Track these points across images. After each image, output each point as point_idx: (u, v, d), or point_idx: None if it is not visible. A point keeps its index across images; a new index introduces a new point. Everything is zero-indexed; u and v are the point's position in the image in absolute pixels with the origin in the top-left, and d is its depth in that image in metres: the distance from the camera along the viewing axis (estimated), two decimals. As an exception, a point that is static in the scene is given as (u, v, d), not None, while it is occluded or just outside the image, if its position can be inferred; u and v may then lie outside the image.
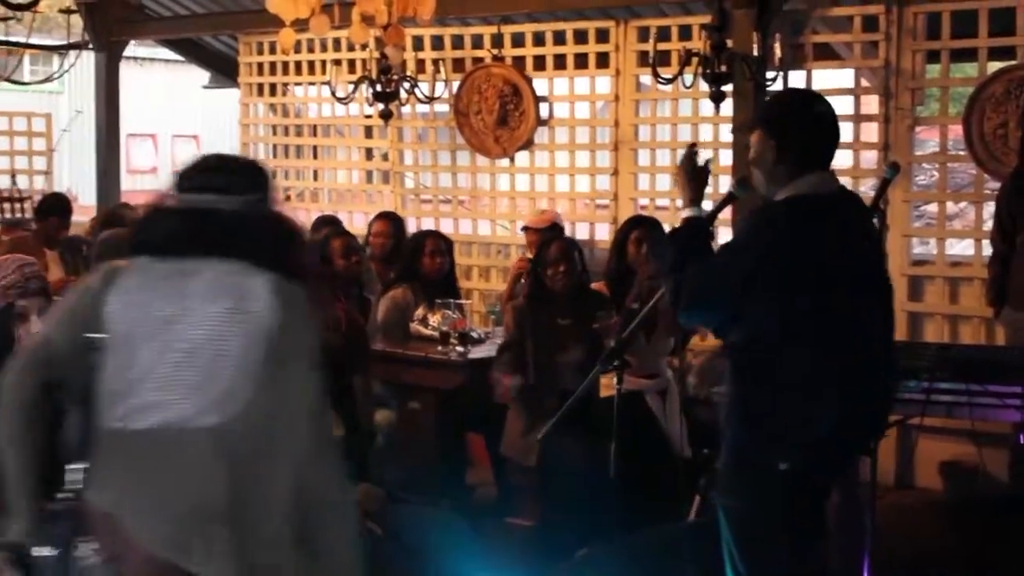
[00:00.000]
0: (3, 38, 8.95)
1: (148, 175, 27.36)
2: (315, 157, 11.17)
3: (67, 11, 7.90)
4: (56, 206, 9.06)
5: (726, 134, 8.40)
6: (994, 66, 7.82)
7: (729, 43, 7.60)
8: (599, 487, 5.23)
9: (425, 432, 7.08)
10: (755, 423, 3.89)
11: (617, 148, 9.18)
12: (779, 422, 3.84)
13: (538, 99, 9.44)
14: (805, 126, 4.01)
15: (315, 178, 11.31)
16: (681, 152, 7.71)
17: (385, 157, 10.58)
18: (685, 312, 4.01)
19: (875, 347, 3.98)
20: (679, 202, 8.89)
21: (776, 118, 4.07)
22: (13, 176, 12.21)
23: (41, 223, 9.05)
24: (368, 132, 10.67)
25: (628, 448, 5.08)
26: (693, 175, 4.21)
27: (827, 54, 8.57)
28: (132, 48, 11.96)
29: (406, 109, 10.06)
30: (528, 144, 9.57)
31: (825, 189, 3.95)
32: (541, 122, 9.50)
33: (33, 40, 9.46)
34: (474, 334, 7.38)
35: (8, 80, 8.58)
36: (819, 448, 3.85)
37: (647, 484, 5.57)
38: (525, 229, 8.57)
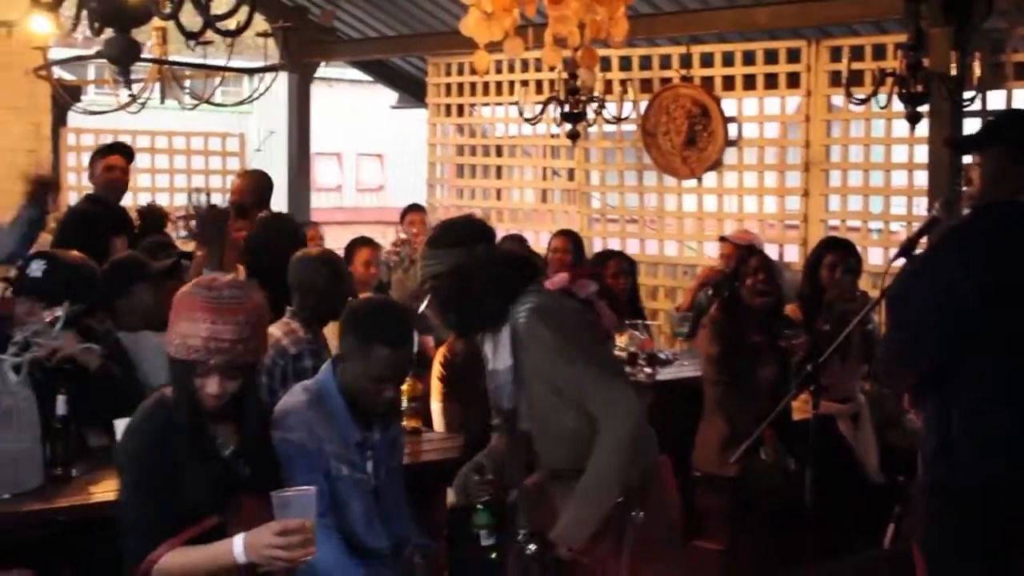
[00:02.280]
0: (203, 61, 9.18)
1: (333, 192, 27.91)
2: (498, 176, 11.26)
3: (264, 34, 8.05)
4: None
5: (920, 154, 8.23)
6: None
7: (925, 62, 7.44)
8: (791, 512, 5.14)
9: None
10: (952, 442, 3.80)
11: (808, 169, 9.06)
12: (977, 440, 3.75)
13: (727, 119, 9.38)
14: None
15: (498, 197, 11.40)
16: (873, 173, 7.54)
17: (570, 177, 10.61)
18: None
19: None
20: (871, 224, 8.82)
21: (1010, 135, 3.97)
22: (208, 194, 12.50)
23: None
24: (552, 152, 10.73)
25: (821, 473, 4.98)
26: None
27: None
28: (321, 69, 12.20)
29: (593, 129, 10.07)
30: (716, 164, 9.51)
31: None
32: (730, 142, 9.44)
33: (227, 63, 9.69)
34: (661, 355, 7.33)
35: (207, 102, 8.78)
36: (1010, 467, 3.76)
37: (840, 510, 5.46)
38: (722, 239, 8.46)
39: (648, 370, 7.02)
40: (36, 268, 4.73)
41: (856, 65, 8.16)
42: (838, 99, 8.73)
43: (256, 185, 7.83)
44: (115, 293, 5.20)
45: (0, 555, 3.46)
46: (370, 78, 13.95)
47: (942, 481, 3.83)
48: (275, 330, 5.22)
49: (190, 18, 3.32)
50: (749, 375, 6.31)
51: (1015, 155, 3.87)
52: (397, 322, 3.95)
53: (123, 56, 3.39)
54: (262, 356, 3.64)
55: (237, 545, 3.20)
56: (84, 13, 3.33)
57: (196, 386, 3.33)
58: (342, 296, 5.25)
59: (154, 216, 9.55)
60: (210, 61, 9.80)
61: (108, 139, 11.73)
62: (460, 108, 11.37)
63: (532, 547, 3.92)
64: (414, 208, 9.82)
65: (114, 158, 7.65)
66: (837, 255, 6.54)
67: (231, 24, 3.47)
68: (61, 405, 4.27)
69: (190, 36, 3.47)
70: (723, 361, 6.37)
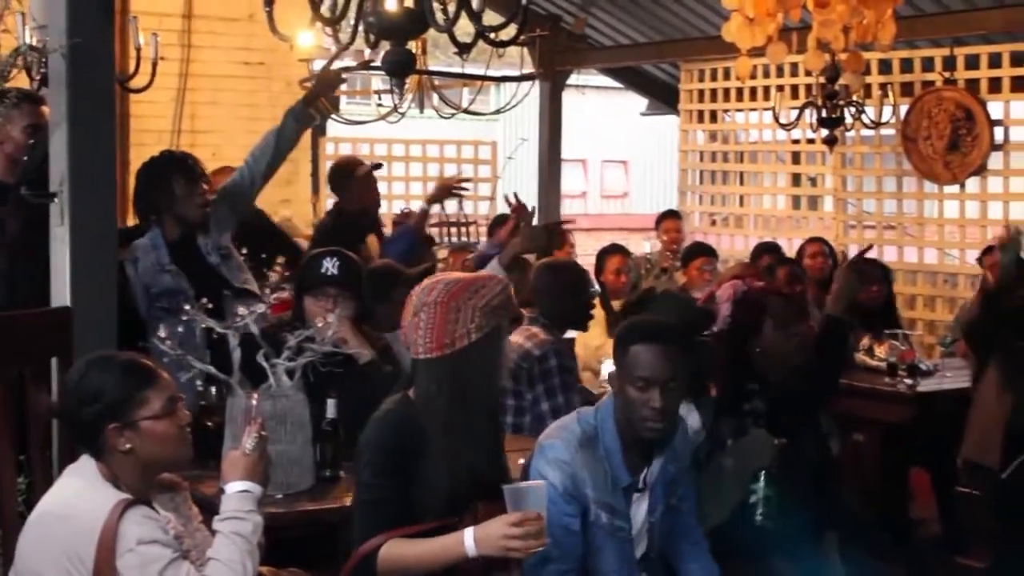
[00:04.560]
0: (458, 70, 9.33)
1: (577, 199, 28.04)
2: (742, 183, 11.18)
3: (520, 43, 8.14)
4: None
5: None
6: None
7: None
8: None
9: (869, 464, 6.91)
10: None
11: (1073, 178, 8.73)
12: None
13: (993, 123, 9.09)
14: None
15: (742, 204, 11.32)
16: None
17: (814, 183, 10.45)
18: None
19: None
20: None
21: None
22: (460, 201, 12.71)
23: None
24: (796, 158, 10.60)
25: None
26: None
27: None
28: (572, 76, 12.28)
29: (850, 134, 9.89)
30: (980, 169, 9.23)
31: None
32: (995, 147, 9.14)
33: (477, 70, 9.84)
34: (922, 366, 7.15)
35: (465, 111, 8.92)
36: None
37: None
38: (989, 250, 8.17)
39: (909, 381, 6.87)
40: (330, 265, 4.90)
41: None
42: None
43: None
44: (376, 298, 5.38)
45: (274, 554, 3.54)
46: (618, 84, 13.97)
47: None
48: (516, 336, 5.39)
49: (461, 29, 3.36)
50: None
51: None
52: (651, 320, 3.95)
53: (400, 68, 3.46)
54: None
55: (468, 538, 3.21)
56: (360, 27, 3.40)
57: None
58: (582, 303, 5.50)
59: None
60: (465, 70, 9.97)
61: (365, 148, 12.08)
62: (713, 114, 11.30)
63: None
64: (670, 215, 9.81)
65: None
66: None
67: (503, 35, 3.51)
68: (331, 408, 4.41)
69: (463, 48, 3.52)
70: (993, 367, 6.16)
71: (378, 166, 7.69)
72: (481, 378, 3.37)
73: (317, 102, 5.90)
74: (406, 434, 3.34)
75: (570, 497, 3.59)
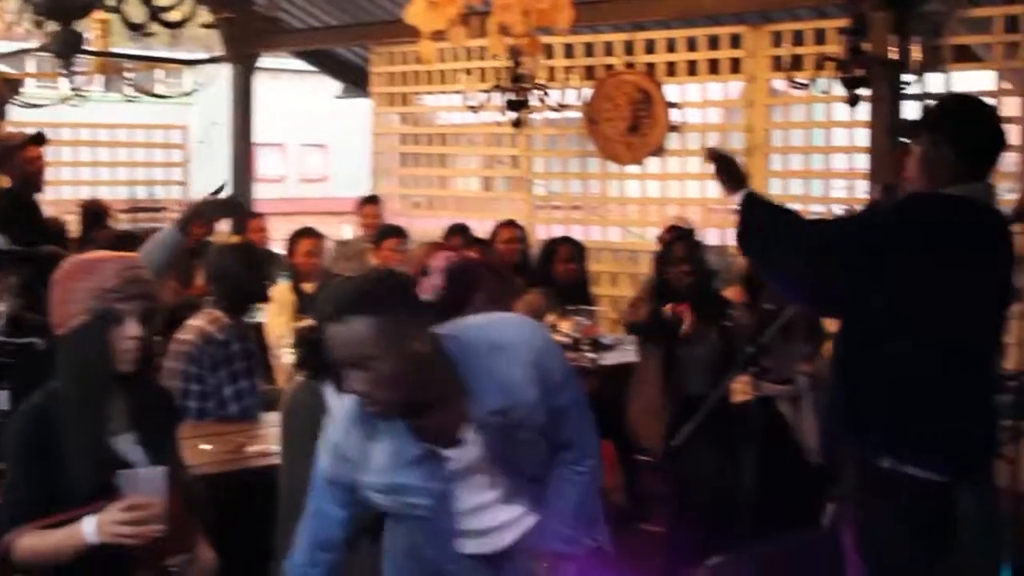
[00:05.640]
0: (144, 52, 9.15)
1: (276, 184, 27.81)
2: (442, 165, 11.27)
3: (207, 25, 8.03)
4: None
5: (861, 138, 8.30)
6: None
7: (866, 46, 7.51)
8: (732, 494, 5.19)
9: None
10: (865, 422, 3.84)
11: (750, 153, 9.12)
12: (900, 426, 3.77)
13: (669, 105, 9.43)
14: (978, 133, 3.94)
15: (442, 186, 11.42)
16: (814, 157, 7.64)
17: (514, 164, 10.63)
18: (790, 271, 3.93)
19: (988, 358, 3.94)
20: (812, 207, 8.89)
21: (949, 123, 3.99)
22: (150, 186, 12.50)
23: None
24: (496, 140, 10.75)
25: (761, 455, 5.03)
26: (726, 165, 4.18)
27: (967, 56, 8.42)
28: (263, 59, 12.14)
29: (537, 117, 10.10)
30: (659, 150, 9.56)
31: (982, 197, 3.89)
32: (672, 128, 9.47)
33: (166, 53, 9.68)
34: (605, 340, 7.37)
35: (150, 94, 8.75)
36: (943, 452, 3.77)
37: (780, 491, 5.50)
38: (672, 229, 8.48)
39: (591, 355, 7.06)
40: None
41: (797, 50, 8.26)
42: (780, 84, 8.79)
43: None
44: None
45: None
46: (314, 68, 13.90)
47: (881, 469, 3.82)
48: (198, 320, 5.37)
49: (134, 9, 3.31)
50: (674, 359, 6.36)
51: (945, 142, 3.90)
52: (342, 295, 3.12)
53: (66, 49, 3.39)
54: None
55: (88, 525, 3.10)
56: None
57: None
58: (260, 284, 5.50)
59: (96, 211, 9.51)
60: (152, 53, 9.78)
61: (50, 134, 11.71)
62: (404, 97, 11.36)
63: None
64: (369, 200, 9.80)
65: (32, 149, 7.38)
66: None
67: (175, 16, 3.47)
68: (3, 400, 4.27)
69: (134, 28, 3.47)
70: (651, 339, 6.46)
71: (40, 137, 7.37)
72: (89, 361, 3.22)
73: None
74: (41, 425, 3.23)
75: (335, 484, 3.21)
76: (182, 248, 5.78)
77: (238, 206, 6.82)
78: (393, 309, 2.92)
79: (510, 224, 8.68)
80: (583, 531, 3.24)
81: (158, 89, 9.13)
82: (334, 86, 14.51)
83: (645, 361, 6.61)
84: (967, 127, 3.94)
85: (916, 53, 7.35)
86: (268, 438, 4.96)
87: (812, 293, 3.95)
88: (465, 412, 3.02)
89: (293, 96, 26.01)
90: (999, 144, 4.00)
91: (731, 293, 6.77)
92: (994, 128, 3.99)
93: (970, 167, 3.85)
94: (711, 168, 4.25)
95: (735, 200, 4.09)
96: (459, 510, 3.16)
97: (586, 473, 3.24)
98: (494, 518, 3.22)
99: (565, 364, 3.21)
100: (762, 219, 3.98)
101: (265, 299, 5.81)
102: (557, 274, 7.72)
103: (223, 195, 6.47)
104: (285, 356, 6.13)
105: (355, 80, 12.76)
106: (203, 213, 6.43)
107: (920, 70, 7.48)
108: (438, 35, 7.30)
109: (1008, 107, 8.10)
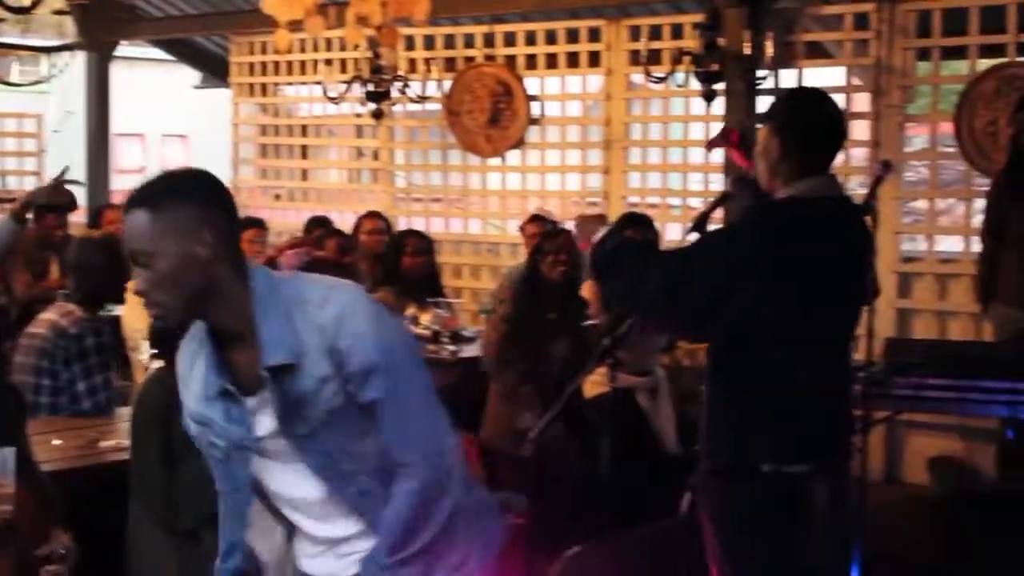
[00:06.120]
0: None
1: (136, 174, 27.34)
2: (304, 157, 11.19)
3: (60, 12, 7.86)
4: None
5: (717, 132, 8.42)
6: (984, 63, 7.84)
7: (721, 42, 7.63)
8: (590, 484, 5.24)
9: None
10: (735, 422, 3.87)
11: (608, 147, 9.21)
12: (759, 420, 3.82)
13: (529, 98, 9.49)
14: (816, 126, 3.99)
15: (304, 178, 11.33)
16: (671, 150, 7.70)
17: (375, 156, 10.59)
18: (659, 302, 3.87)
19: (844, 350, 4.00)
20: (670, 200, 9.01)
21: (788, 115, 4.03)
22: (3, 177, 12.23)
23: (38, 222, 8.97)
24: (358, 131, 10.70)
25: (619, 446, 5.08)
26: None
27: (818, 52, 8.60)
28: (121, 48, 11.93)
29: (397, 108, 10.09)
30: (519, 143, 9.61)
31: (826, 192, 3.95)
32: (532, 121, 9.54)
33: (22, 41, 9.46)
34: (465, 333, 7.40)
35: (2, 82, 8.55)
36: (799, 445, 3.82)
37: (638, 481, 5.57)
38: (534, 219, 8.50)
39: (451, 347, 7.08)
40: None
41: (655, 44, 8.35)
42: (638, 78, 8.88)
43: None
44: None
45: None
46: (173, 58, 13.71)
47: (730, 458, 3.88)
48: (51, 314, 5.29)
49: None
50: (538, 350, 6.40)
51: (782, 132, 3.96)
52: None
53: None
54: None
55: None
56: None
57: None
58: (119, 278, 5.38)
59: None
60: (4, 39, 9.57)
61: None
62: (264, 88, 11.26)
63: None
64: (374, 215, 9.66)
65: None
66: (636, 231, 6.63)
67: (24, 0, 3.41)
68: None
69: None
70: (512, 336, 6.49)
71: None
72: None
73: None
74: None
75: (188, 414, 2.97)
76: (18, 237, 5.69)
77: (67, 191, 6.70)
78: (177, 207, 2.70)
79: (373, 215, 8.66)
80: (404, 554, 2.85)
81: (12, 77, 8.91)
82: (194, 76, 14.32)
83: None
84: (803, 118, 4.00)
85: (769, 49, 7.49)
86: (121, 433, 4.89)
87: (684, 319, 3.96)
88: (258, 357, 2.75)
89: (153, 85, 25.61)
90: (835, 136, 4.07)
91: (585, 291, 6.84)
92: (830, 120, 4.04)
93: (807, 159, 3.90)
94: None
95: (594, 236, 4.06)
96: (258, 476, 2.91)
97: (403, 484, 2.83)
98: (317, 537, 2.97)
99: (377, 356, 2.77)
100: (625, 254, 3.98)
101: (123, 293, 5.71)
102: (405, 267, 7.72)
103: (68, 179, 6.39)
104: (142, 351, 6.05)
105: (214, 70, 12.60)
106: (34, 200, 6.36)
107: (773, 66, 7.63)
108: (295, 25, 7.26)
109: (858, 103, 8.28)
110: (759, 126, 4.07)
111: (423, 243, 7.87)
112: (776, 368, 3.80)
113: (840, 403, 3.97)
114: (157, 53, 14.71)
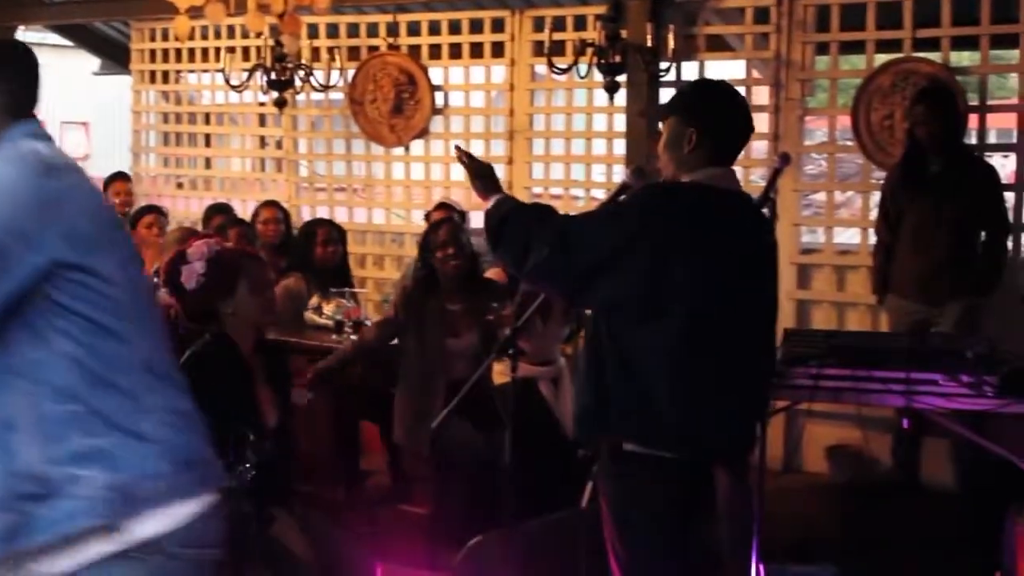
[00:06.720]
0: None
1: (37, 162, 26.88)
2: (208, 145, 11.08)
3: (-46, -5, 7.73)
4: None
5: (620, 124, 8.48)
6: (881, 58, 7.95)
7: (623, 34, 7.68)
8: (492, 475, 5.25)
9: (322, 420, 7.06)
10: (601, 397, 3.88)
11: (512, 137, 9.23)
12: (620, 399, 3.83)
13: (433, 88, 9.47)
14: (731, 119, 4.03)
15: (207, 166, 11.22)
16: (575, 142, 7.76)
17: (279, 145, 10.52)
18: (542, 270, 3.89)
19: (752, 338, 4.01)
20: (574, 191, 9.04)
21: (702, 107, 4.06)
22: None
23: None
24: (262, 120, 10.62)
25: (522, 436, 5.09)
26: (480, 170, 4.19)
27: (719, 45, 8.67)
28: (20, 33, 11.72)
29: (301, 97, 10.04)
30: (423, 133, 9.60)
31: (725, 185, 3.98)
32: (436, 111, 9.53)
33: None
34: (368, 323, 7.38)
35: None
36: (662, 431, 3.82)
37: (540, 471, 5.58)
38: (441, 207, 8.48)
39: (355, 338, 7.06)
40: None
41: (558, 35, 8.36)
42: (541, 69, 8.90)
43: None
44: None
45: None
46: (72, 44, 13.49)
47: (633, 452, 3.88)
48: None
49: None
50: (439, 347, 6.41)
51: (688, 123, 3.98)
52: None
53: None
54: None
55: None
56: None
57: None
58: None
59: None
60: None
61: None
62: (166, 75, 11.13)
63: None
64: (118, 177, 9.65)
65: None
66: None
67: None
68: None
69: None
70: (410, 330, 6.50)
71: None
72: None
73: None
74: None
75: None
76: None
77: None
78: None
79: (270, 204, 8.61)
80: None
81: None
82: (94, 62, 14.10)
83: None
84: (717, 110, 4.05)
85: (671, 41, 7.54)
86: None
87: (565, 288, 3.97)
88: None
89: (52, 72, 25.17)
90: (748, 129, 4.12)
91: (493, 274, 6.85)
92: (737, 113, 4.09)
93: (712, 151, 3.93)
94: (464, 170, 4.23)
95: (488, 204, 4.07)
96: None
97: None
98: None
99: None
100: (513, 220, 3.98)
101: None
102: (316, 257, 7.70)
103: None
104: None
105: (115, 56, 12.43)
106: None
107: (675, 58, 7.69)
108: (195, 12, 7.19)
109: (758, 96, 8.36)
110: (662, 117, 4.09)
111: (334, 232, 7.86)
112: (645, 350, 3.78)
113: (732, 394, 3.91)
114: (56, 39, 14.47)
